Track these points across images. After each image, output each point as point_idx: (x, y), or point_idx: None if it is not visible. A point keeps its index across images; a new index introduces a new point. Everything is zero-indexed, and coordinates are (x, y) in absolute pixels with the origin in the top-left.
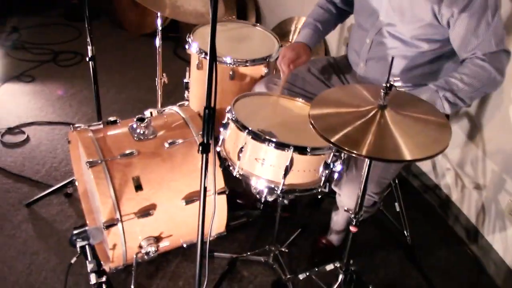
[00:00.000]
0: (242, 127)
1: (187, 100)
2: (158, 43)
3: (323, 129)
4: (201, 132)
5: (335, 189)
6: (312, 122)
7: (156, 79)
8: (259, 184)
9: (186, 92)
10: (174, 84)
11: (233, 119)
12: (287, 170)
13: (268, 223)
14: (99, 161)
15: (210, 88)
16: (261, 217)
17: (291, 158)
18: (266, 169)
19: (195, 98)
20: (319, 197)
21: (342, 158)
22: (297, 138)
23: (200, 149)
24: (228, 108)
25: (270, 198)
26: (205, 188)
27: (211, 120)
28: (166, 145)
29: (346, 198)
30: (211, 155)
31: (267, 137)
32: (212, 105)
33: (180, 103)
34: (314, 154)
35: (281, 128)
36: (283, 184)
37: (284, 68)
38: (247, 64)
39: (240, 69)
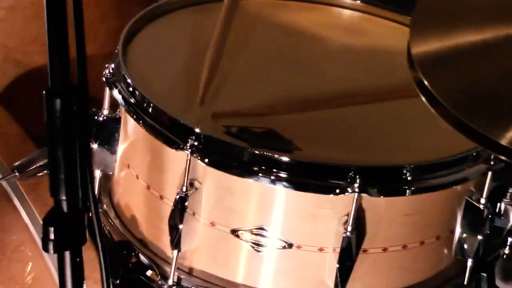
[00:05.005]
0: (170, 126)
1: None
2: None
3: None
4: (28, 166)
5: None
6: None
7: None
8: None
9: None
10: None
11: (133, 102)
12: (346, 256)
13: None
14: None
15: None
16: None
17: (356, 208)
18: (271, 261)
19: None
20: None
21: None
22: (352, 145)
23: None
24: (113, 63)
25: None
26: None
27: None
28: None
29: None
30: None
31: (270, 154)
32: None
33: None
34: (427, 187)
35: (291, 117)
36: None
37: None
38: None
39: None
